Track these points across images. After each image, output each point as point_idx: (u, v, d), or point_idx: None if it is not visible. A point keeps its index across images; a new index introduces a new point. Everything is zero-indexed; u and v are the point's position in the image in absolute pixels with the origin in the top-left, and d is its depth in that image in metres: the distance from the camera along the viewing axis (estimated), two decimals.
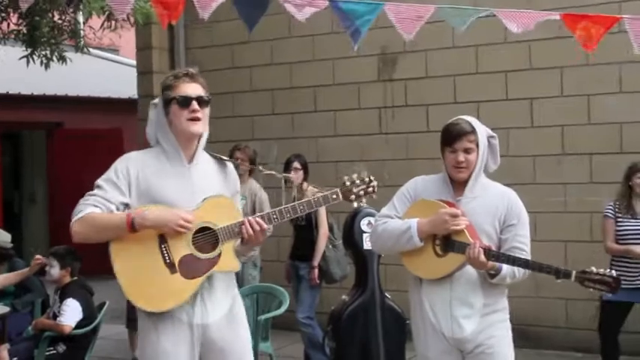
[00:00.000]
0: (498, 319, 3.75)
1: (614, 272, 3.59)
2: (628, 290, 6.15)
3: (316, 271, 6.88)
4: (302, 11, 4.79)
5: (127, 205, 3.43)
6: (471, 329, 3.68)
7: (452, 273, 3.67)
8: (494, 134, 3.83)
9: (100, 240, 3.41)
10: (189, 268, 3.41)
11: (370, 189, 3.66)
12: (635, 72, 5.68)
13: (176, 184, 3.48)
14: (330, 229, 6.93)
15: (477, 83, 8.04)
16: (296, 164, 6.96)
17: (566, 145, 7.19)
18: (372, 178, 3.68)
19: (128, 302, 7.24)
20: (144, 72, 9.78)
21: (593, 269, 3.58)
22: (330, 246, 6.90)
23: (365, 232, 5.35)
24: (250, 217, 3.47)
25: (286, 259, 7.30)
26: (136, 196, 3.44)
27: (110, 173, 3.47)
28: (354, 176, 3.66)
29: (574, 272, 3.58)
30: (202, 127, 3.51)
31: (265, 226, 3.47)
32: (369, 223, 5.38)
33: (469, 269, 3.65)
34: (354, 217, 5.36)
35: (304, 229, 6.94)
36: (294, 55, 8.75)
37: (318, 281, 6.92)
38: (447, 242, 3.66)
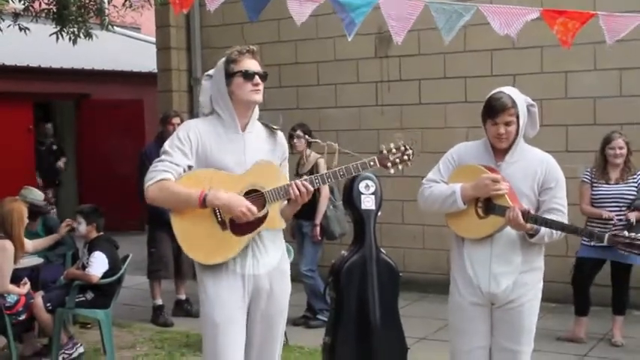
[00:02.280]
0: (533, 279, 3.69)
1: None
2: (599, 248, 6.16)
3: (318, 228, 6.90)
4: (302, 6, 4.78)
5: (190, 167, 3.46)
6: (506, 285, 3.63)
7: (492, 234, 3.62)
8: (533, 103, 3.74)
9: (168, 206, 3.48)
10: (239, 225, 3.42)
11: (405, 157, 3.57)
12: (608, 51, 5.66)
13: (230, 149, 3.50)
14: (331, 190, 6.93)
15: (464, 61, 8.00)
16: (299, 132, 6.94)
17: (545, 116, 7.11)
18: (407, 146, 3.57)
19: (149, 255, 7.35)
20: (162, 48, 9.75)
21: (625, 233, 3.52)
22: (331, 206, 6.91)
23: (363, 194, 5.32)
24: (297, 180, 3.48)
25: (291, 218, 7.31)
26: (195, 159, 3.48)
27: (175, 139, 3.50)
28: (392, 145, 3.58)
29: (607, 235, 3.52)
30: (261, 97, 3.54)
31: (311, 188, 3.48)
32: (367, 185, 5.35)
33: (509, 229, 3.60)
34: (353, 180, 5.33)
35: None
36: (298, 33, 8.63)
37: (319, 238, 6.94)
38: (489, 205, 3.60)
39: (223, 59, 3.56)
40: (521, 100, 3.68)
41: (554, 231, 3.58)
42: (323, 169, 6.72)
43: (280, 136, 3.73)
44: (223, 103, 3.53)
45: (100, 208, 6.23)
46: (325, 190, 6.82)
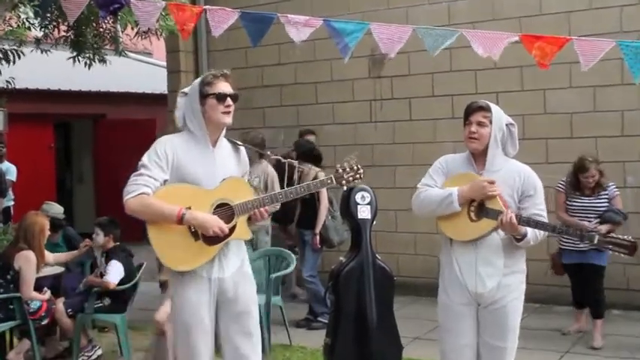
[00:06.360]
0: (516, 281, 3.67)
1: (630, 237, 3.47)
2: (576, 252, 6.13)
3: (318, 237, 6.89)
4: (300, 30, 4.78)
5: (165, 181, 3.49)
6: (491, 286, 3.62)
7: (484, 236, 3.60)
8: (513, 123, 3.73)
9: (146, 219, 3.49)
10: (210, 236, 3.47)
11: (357, 175, 3.75)
12: (583, 71, 5.64)
13: (202, 163, 3.54)
14: (330, 202, 6.93)
15: (451, 80, 8.00)
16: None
17: (526, 131, 7.15)
18: (359, 166, 3.75)
19: (160, 264, 7.30)
20: (172, 71, 9.74)
21: (614, 234, 3.50)
22: (330, 216, 6.90)
23: (359, 204, 5.30)
24: (261, 208, 3.57)
25: (294, 227, 7.30)
26: (170, 172, 3.50)
27: (152, 154, 3.52)
28: (345, 164, 3.73)
29: (597, 236, 3.49)
30: (231, 120, 3.59)
31: (266, 215, 3.63)
32: (362, 196, 5.34)
33: (492, 234, 3.59)
34: (350, 191, 5.32)
35: (308, 202, 6.94)
36: (298, 56, 8.69)
37: (319, 246, 6.93)
38: (481, 209, 3.58)
39: (199, 80, 3.61)
40: (499, 112, 3.69)
41: (538, 234, 3.57)
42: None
43: (243, 152, 3.80)
44: (196, 121, 3.57)
45: (116, 220, 6.21)
46: (324, 202, 6.83)
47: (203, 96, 3.55)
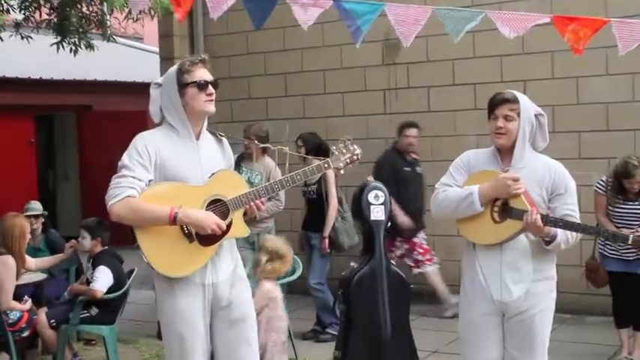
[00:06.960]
0: (545, 289, 3.67)
1: None
2: (622, 261, 6.06)
3: (327, 240, 6.90)
4: (307, 12, 4.77)
5: (150, 181, 3.50)
6: (518, 294, 3.62)
7: (509, 239, 3.59)
8: (543, 113, 3.73)
9: (135, 224, 3.48)
10: (205, 236, 3.49)
11: (355, 157, 3.74)
12: (620, 56, 5.59)
13: (186, 159, 3.57)
14: (340, 202, 6.93)
15: (474, 67, 8.00)
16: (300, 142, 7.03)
17: (557, 123, 7.16)
18: (355, 147, 3.75)
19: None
20: (166, 58, 9.73)
21: None
22: (340, 218, 6.91)
23: (372, 204, 5.31)
24: (257, 201, 3.58)
25: (299, 229, 7.31)
26: (154, 171, 3.52)
27: (133, 153, 3.52)
28: (340, 145, 3.74)
29: (631, 236, 3.50)
30: (214, 108, 3.63)
31: (262, 207, 3.64)
32: (376, 196, 5.35)
33: (519, 236, 3.59)
34: (362, 190, 5.33)
35: (315, 202, 6.96)
36: (304, 41, 8.69)
37: (328, 250, 6.94)
38: (505, 209, 3.58)
39: (174, 69, 3.64)
40: (527, 103, 3.70)
41: (570, 237, 3.57)
42: (331, 182, 6.78)
43: (226, 143, 3.84)
44: (176, 114, 3.60)
45: (104, 221, 6.23)
46: (334, 202, 6.84)
47: (182, 86, 3.57)
